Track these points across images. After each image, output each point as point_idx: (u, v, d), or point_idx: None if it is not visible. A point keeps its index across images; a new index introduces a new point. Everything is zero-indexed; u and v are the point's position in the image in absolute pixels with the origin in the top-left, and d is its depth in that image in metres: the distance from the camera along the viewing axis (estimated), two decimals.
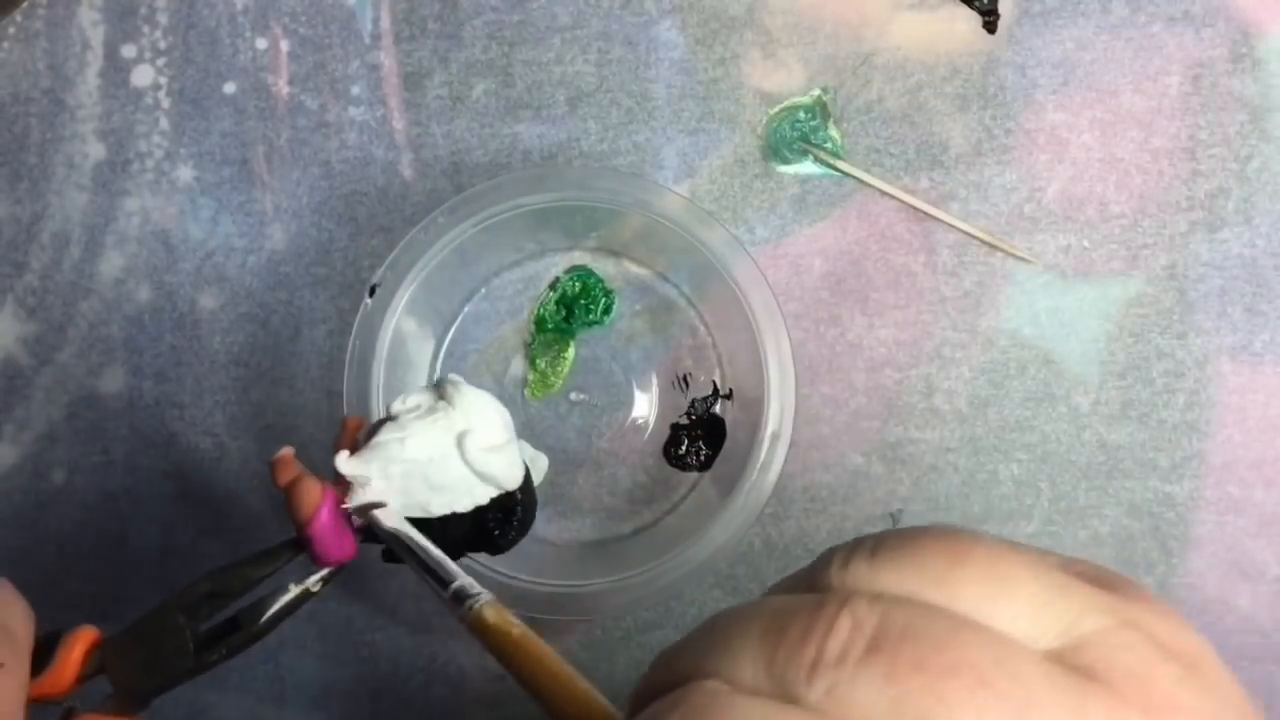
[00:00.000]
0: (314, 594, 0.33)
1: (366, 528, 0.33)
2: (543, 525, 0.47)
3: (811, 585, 0.22)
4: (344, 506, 0.32)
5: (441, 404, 0.33)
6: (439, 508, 0.33)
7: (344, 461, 0.32)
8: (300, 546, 0.32)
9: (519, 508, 0.34)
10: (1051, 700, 0.19)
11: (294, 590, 0.32)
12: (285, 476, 0.32)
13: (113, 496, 0.47)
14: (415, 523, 0.33)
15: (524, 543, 0.47)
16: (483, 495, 0.33)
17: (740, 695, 0.20)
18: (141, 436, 0.47)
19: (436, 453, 0.32)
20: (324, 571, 0.33)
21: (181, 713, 0.47)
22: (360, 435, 0.34)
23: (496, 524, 0.34)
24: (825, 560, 0.22)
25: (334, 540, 0.32)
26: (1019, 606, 0.21)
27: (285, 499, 0.32)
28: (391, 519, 0.32)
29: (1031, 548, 0.22)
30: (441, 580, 0.31)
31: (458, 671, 0.47)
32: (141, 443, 0.47)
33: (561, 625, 0.46)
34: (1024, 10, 0.47)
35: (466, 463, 0.32)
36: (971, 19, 0.47)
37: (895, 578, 0.21)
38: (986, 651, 0.20)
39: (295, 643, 0.47)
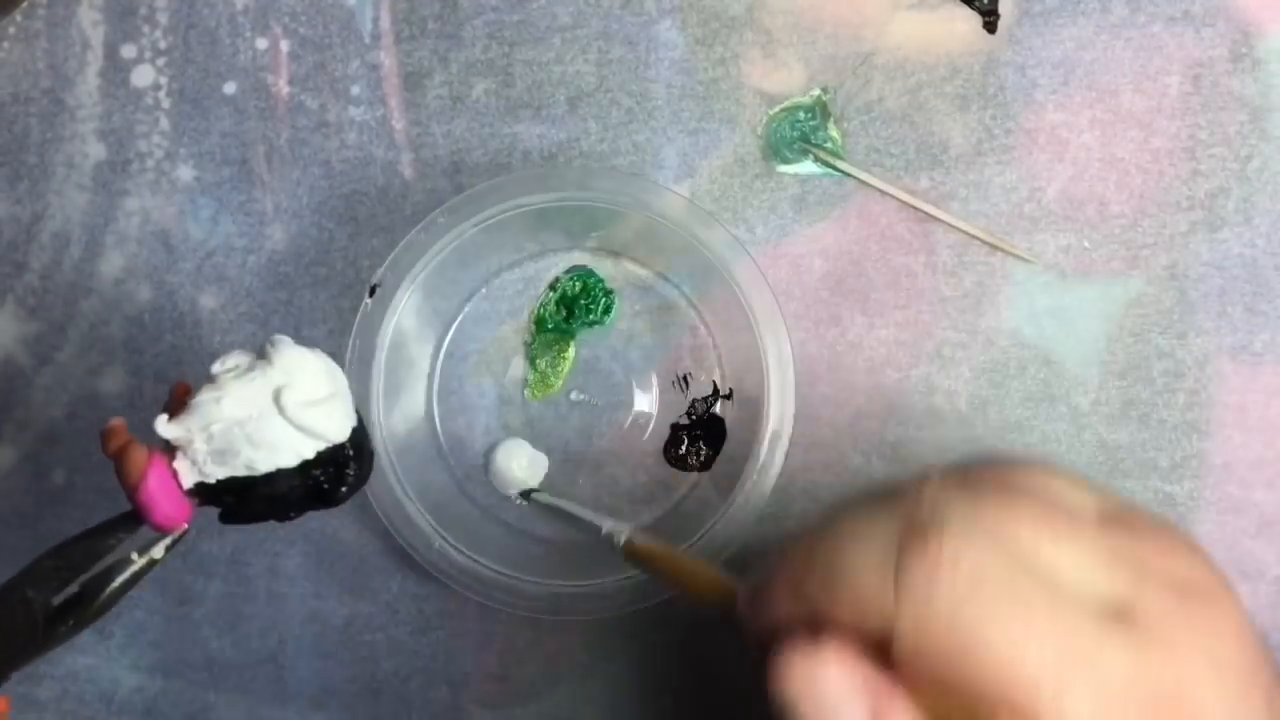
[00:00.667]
0: (158, 561, 0.34)
1: (203, 491, 0.33)
2: (543, 525, 0.47)
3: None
4: (173, 467, 0.33)
5: (260, 363, 0.33)
6: (264, 464, 0.33)
7: (163, 425, 0.33)
8: (138, 516, 0.33)
9: (351, 462, 0.34)
10: (1092, 530, 0.27)
11: (137, 560, 0.34)
12: (113, 444, 0.33)
13: (113, 496, 0.47)
14: (240, 480, 0.33)
15: (524, 543, 0.47)
16: (308, 449, 0.33)
17: (865, 505, 0.28)
18: (142, 436, 0.47)
19: (254, 410, 0.32)
20: (166, 539, 0.34)
21: (181, 713, 0.47)
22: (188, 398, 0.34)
23: (328, 479, 0.34)
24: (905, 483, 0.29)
25: (166, 504, 0.33)
26: (1064, 561, 0.26)
27: (115, 468, 0.33)
28: (542, 497, 0.41)
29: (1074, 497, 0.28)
30: (591, 529, 0.39)
31: (458, 671, 0.47)
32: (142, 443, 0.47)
33: (561, 625, 0.46)
34: (1024, 10, 0.47)
35: (285, 418, 0.33)
36: (971, 19, 0.47)
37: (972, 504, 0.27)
38: (1045, 491, 0.28)
39: (295, 643, 0.47)
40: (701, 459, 0.46)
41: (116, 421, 0.34)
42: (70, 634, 0.33)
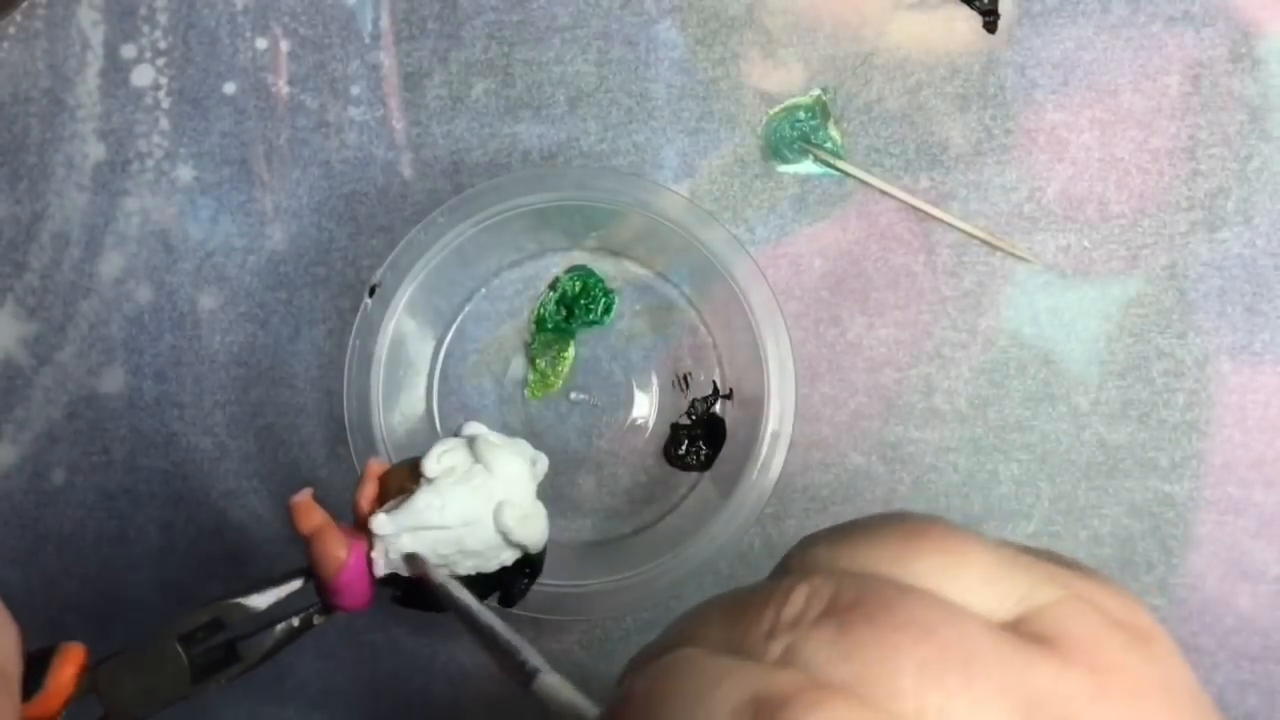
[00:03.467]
0: (314, 626, 0.32)
1: (393, 581, 0.32)
2: None
3: (776, 573, 0.23)
4: (372, 557, 0.32)
5: (478, 467, 0.32)
6: (466, 569, 0.33)
7: (380, 523, 0.32)
8: (310, 583, 0.32)
9: (538, 565, 0.34)
10: (996, 657, 0.20)
11: (296, 624, 0.32)
12: (307, 525, 0.32)
13: (113, 496, 0.47)
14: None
15: None
16: (509, 557, 0.33)
17: (707, 654, 0.21)
18: (141, 436, 0.47)
19: (472, 519, 0.32)
20: (332, 613, 0.32)
21: (182, 713, 0.47)
22: (388, 483, 0.33)
23: (513, 582, 0.34)
24: (791, 551, 0.24)
25: (357, 594, 0.32)
26: (972, 579, 0.21)
27: (306, 546, 0.32)
28: (458, 589, 0.32)
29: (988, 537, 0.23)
30: (504, 651, 0.30)
31: (458, 671, 0.47)
32: (141, 443, 0.47)
33: (561, 625, 0.46)
34: (1024, 10, 0.47)
35: (501, 531, 0.32)
36: (971, 19, 0.47)
37: (852, 557, 0.22)
38: (935, 612, 0.20)
39: (295, 643, 0.47)
40: (701, 459, 0.46)
41: (306, 496, 0.32)
42: (216, 690, 0.31)
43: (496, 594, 0.34)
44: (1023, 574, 0.21)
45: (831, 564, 0.22)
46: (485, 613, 0.30)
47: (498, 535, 0.32)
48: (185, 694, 0.31)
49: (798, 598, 0.21)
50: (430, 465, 0.32)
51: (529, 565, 0.34)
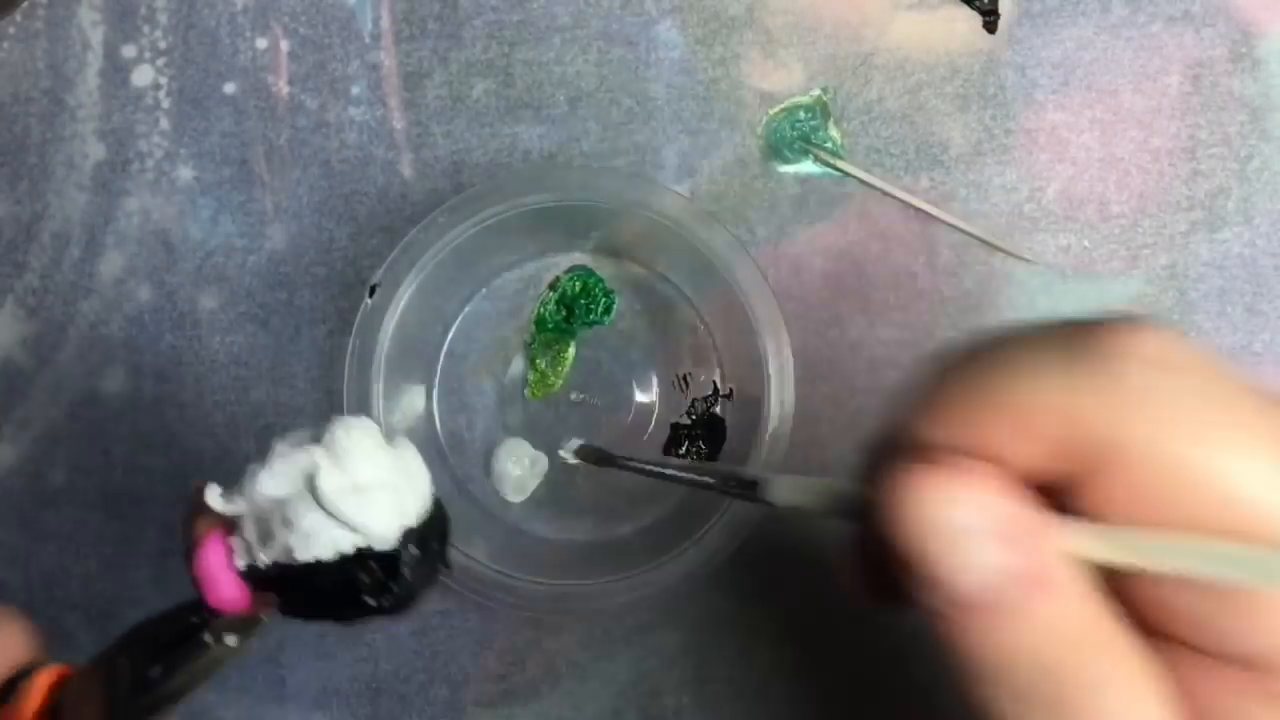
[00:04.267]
0: (234, 649, 0.30)
1: (254, 575, 0.30)
2: (543, 525, 0.47)
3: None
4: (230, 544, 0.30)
5: (312, 438, 0.30)
6: (300, 553, 0.29)
7: (213, 495, 0.30)
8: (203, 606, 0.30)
9: (399, 568, 0.29)
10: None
11: (211, 645, 0.30)
12: (191, 511, 0.30)
13: (113, 496, 0.47)
14: (283, 568, 0.29)
15: (524, 542, 0.47)
16: (346, 544, 0.29)
17: None
18: (141, 436, 0.47)
19: (292, 489, 0.29)
20: (239, 627, 0.30)
21: (181, 713, 0.47)
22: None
23: (368, 583, 0.29)
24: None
25: (220, 584, 0.29)
26: None
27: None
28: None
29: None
30: (723, 481, 0.32)
31: (458, 671, 0.47)
32: (141, 443, 0.47)
33: (561, 625, 0.46)
34: (1024, 10, 0.47)
35: (317, 503, 0.29)
36: (971, 19, 0.47)
37: None
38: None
39: (295, 643, 0.47)
40: (701, 459, 0.46)
41: (197, 484, 0.31)
42: (150, 713, 0.30)
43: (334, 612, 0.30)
44: None
45: None
46: (681, 466, 0.34)
47: (323, 513, 0.29)
48: (122, 713, 0.30)
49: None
50: (277, 441, 0.30)
51: (395, 568, 0.30)
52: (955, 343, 0.23)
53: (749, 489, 0.29)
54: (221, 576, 0.30)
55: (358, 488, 0.29)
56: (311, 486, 0.29)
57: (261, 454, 0.46)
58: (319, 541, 0.29)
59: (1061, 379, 0.20)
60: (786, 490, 0.28)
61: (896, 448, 0.22)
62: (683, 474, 0.34)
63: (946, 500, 0.20)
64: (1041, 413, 0.20)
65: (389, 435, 0.31)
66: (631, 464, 0.36)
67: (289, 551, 0.29)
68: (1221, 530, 0.19)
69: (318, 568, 0.29)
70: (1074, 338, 0.21)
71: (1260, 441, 0.19)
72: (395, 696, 0.47)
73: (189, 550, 0.30)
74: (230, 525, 0.30)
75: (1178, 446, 0.19)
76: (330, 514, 0.29)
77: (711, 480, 0.32)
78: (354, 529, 0.29)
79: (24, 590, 0.47)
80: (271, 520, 0.29)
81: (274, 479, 0.29)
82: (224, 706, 0.47)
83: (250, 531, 0.29)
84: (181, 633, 0.30)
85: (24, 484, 0.47)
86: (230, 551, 0.30)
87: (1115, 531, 0.20)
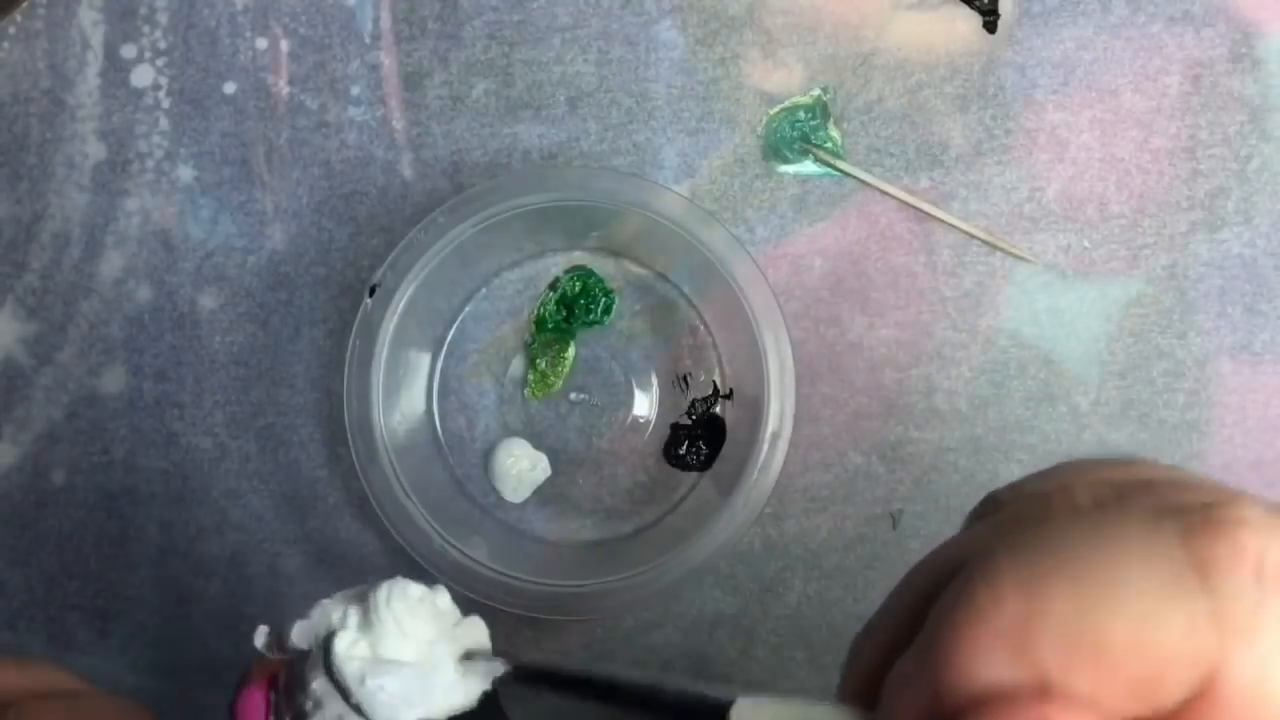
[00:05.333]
0: None
1: None
2: (543, 525, 0.47)
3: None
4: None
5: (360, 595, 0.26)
6: None
7: (260, 637, 0.27)
8: None
9: None
10: None
11: None
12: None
13: (113, 496, 0.47)
14: None
15: (524, 542, 0.47)
16: None
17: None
18: (141, 436, 0.47)
19: (314, 645, 0.26)
20: None
21: (181, 713, 0.47)
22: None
23: None
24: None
25: None
26: None
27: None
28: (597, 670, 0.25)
29: None
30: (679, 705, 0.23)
31: None
32: (141, 443, 0.47)
33: (561, 625, 0.46)
34: (1024, 10, 0.47)
35: (325, 667, 0.26)
36: (971, 19, 0.47)
37: None
38: None
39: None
40: (701, 459, 0.46)
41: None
42: None
43: None
44: None
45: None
46: (637, 674, 0.24)
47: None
48: None
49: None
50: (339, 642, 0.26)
51: None
52: (997, 552, 0.19)
53: (712, 715, 0.22)
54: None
55: (376, 662, 0.25)
56: (325, 645, 0.25)
57: (261, 451, 0.47)
58: (324, 714, 0.26)
59: (1160, 605, 0.17)
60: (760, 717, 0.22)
61: (940, 687, 0.18)
62: (635, 688, 0.24)
63: None
64: (1140, 645, 0.17)
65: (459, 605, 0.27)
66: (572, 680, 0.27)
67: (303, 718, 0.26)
68: None
69: None
70: (1163, 540, 0.17)
71: None
72: None
73: (235, 691, 0.27)
74: (275, 671, 0.27)
75: None
76: (335, 681, 0.25)
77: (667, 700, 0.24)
78: (357, 706, 0.25)
79: (24, 590, 0.47)
80: (300, 680, 0.26)
81: (306, 629, 0.26)
82: (225, 707, 0.47)
83: (282, 684, 0.27)
84: None
85: (24, 484, 0.47)
86: (269, 705, 0.27)
87: None
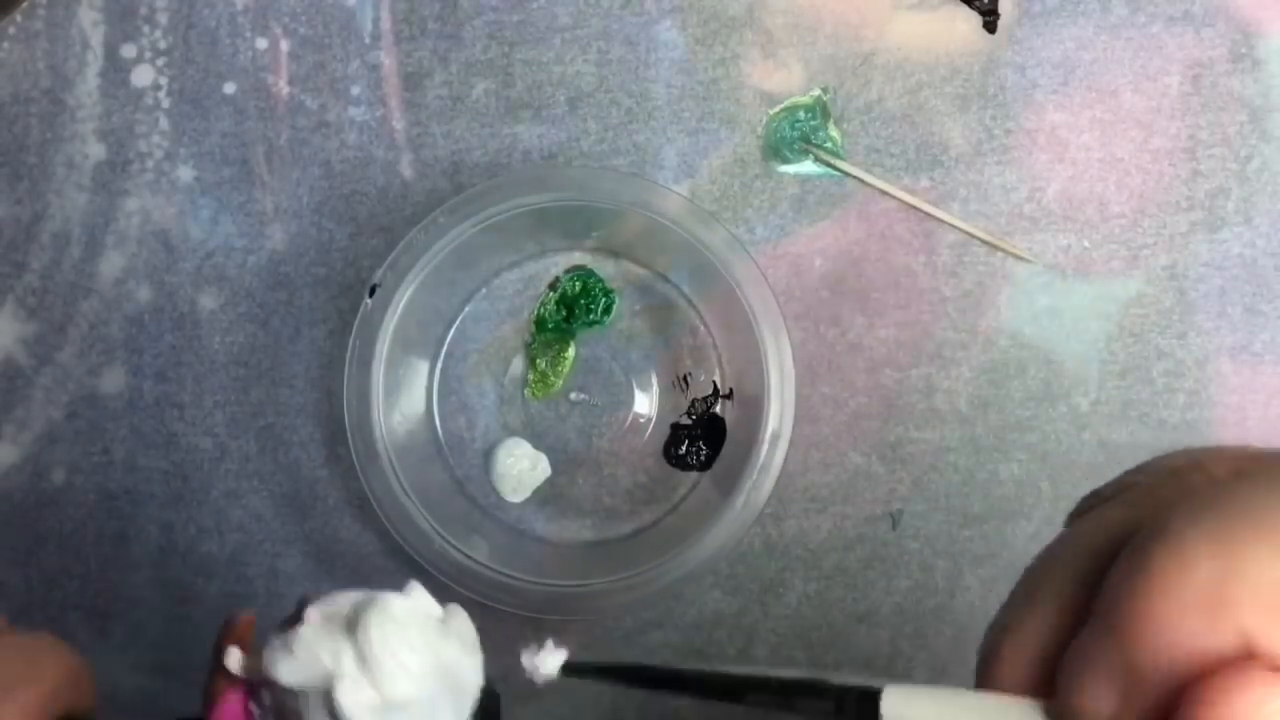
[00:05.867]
0: None
1: None
2: (543, 525, 0.47)
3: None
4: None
5: (345, 624, 0.26)
6: None
7: (234, 660, 0.27)
8: None
9: None
10: None
11: None
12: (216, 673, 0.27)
13: (113, 496, 0.47)
14: None
15: (524, 542, 0.47)
16: None
17: None
18: (141, 436, 0.47)
19: (310, 684, 0.25)
20: None
21: (181, 713, 0.47)
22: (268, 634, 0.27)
23: None
24: None
25: None
26: None
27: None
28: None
29: None
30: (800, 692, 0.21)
31: None
32: (141, 443, 0.47)
33: (561, 625, 0.46)
34: (1024, 10, 0.47)
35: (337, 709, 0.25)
36: (971, 19, 0.47)
37: None
38: None
39: None
40: (701, 459, 0.46)
41: (225, 637, 0.28)
42: None
43: None
44: None
45: None
46: (759, 670, 0.23)
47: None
48: None
49: None
50: (311, 608, 0.26)
51: None
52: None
53: (862, 703, 0.20)
54: None
55: (388, 708, 0.25)
56: (330, 701, 0.25)
57: (261, 451, 0.46)
58: None
59: None
60: (912, 710, 0.20)
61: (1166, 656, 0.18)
62: (761, 681, 0.22)
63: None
64: None
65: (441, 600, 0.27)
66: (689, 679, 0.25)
67: None
68: None
69: None
70: None
71: None
72: None
73: (207, 699, 0.27)
74: (253, 684, 0.27)
75: None
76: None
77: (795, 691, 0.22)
78: None
79: (24, 590, 0.47)
80: (287, 709, 0.26)
81: (294, 667, 0.25)
82: None
83: (268, 705, 0.26)
84: None
85: (24, 484, 0.47)
86: (249, 717, 0.27)
87: None
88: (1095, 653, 0.19)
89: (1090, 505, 0.22)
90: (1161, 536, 0.18)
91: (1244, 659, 0.17)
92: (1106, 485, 0.23)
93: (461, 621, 0.27)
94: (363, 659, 0.25)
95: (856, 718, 0.20)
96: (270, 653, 0.26)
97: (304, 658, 0.25)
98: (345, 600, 0.26)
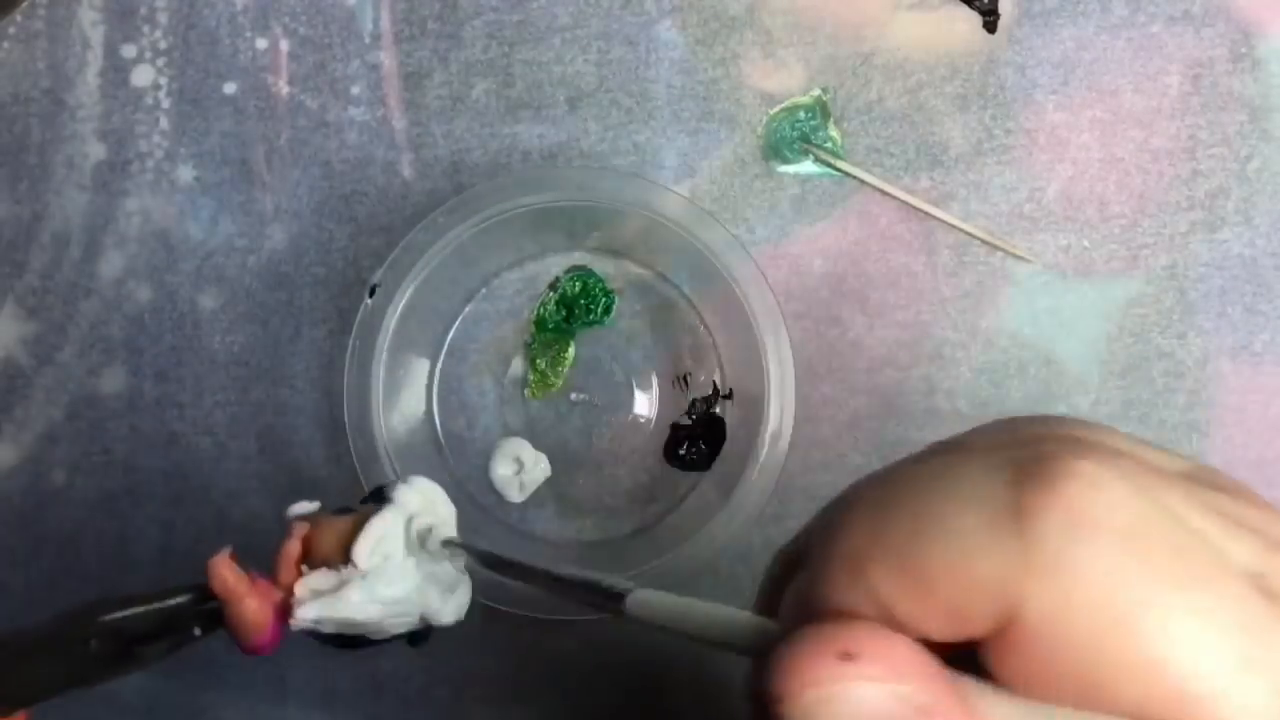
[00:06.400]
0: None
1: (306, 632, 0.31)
2: (543, 525, 0.47)
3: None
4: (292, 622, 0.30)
5: (413, 560, 0.31)
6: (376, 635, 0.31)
7: (303, 613, 0.30)
8: (212, 615, 0.30)
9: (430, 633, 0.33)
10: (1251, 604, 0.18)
11: (199, 636, 0.31)
12: (223, 588, 0.30)
13: (113, 496, 0.47)
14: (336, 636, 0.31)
15: (524, 543, 0.47)
16: (406, 629, 0.32)
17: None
18: (141, 436, 0.47)
19: (399, 611, 0.31)
20: (220, 619, 0.31)
21: (181, 713, 0.47)
22: (316, 540, 0.31)
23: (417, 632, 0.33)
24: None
25: (266, 648, 0.31)
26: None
27: (224, 608, 0.30)
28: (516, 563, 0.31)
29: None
30: (584, 589, 0.28)
31: (458, 672, 0.47)
32: (141, 443, 0.47)
33: (561, 625, 0.46)
34: (1024, 10, 0.47)
35: (424, 619, 0.32)
36: (971, 19, 0.47)
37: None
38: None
39: (295, 643, 0.47)
40: (701, 459, 0.46)
41: (222, 560, 0.30)
42: (105, 680, 0.31)
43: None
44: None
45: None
46: (551, 567, 0.29)
47: (414, 618, 0.32)
48: (78, 681, 0.30)
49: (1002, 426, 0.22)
50: (362, 556, 0.30)
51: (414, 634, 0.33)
52: (870, 475, 0.21)
53: (612, 600, 0.26)
54: (274, 645, 0.31)
55: (457, 603, 0.32)
56: (428, 615, 0.32)
57: (261, 451, 0.46)
58: (385, 632, 0.31)
59: (976, 541, 0.18)
60: (654, 608, 0.26)
61: (801, 600, 0.21)
62: (542, 575, 0.29)
63: (857, 690, 0.18)
64: (953, 576, 0.18)
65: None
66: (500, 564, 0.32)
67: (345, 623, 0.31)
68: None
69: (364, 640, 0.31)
70: (992, 483, 0.19)
71: (1216, 622, 0.18)
72: (396, 697, 0.47)
73: (243, 635, 0.30)
74: (282, 590, 0.31)
75: (1087, 625, 0.18)
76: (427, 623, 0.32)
77: (573, 585, 0.29)
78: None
79: (24, 590, 0.47)
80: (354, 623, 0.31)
81: (381, 604, 0.31)
82: (224, 706, 0.47)
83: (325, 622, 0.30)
84: (168, 620, 0.30)
85: (24, 484, 0.47)
86: (286, 625, 0.30)
87: (1035, 710, 0.18)
88: (794, 588, 0.21)
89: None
90: (850, 496, 0.21)
91: (814, 625, 0.19)
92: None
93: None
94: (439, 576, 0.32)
95: (613, 605, 0.26)
96: (354, 601, 0.30)
97: (393, 593, 0.31)
98: (392, 539, 0.31)
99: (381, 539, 0.31)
